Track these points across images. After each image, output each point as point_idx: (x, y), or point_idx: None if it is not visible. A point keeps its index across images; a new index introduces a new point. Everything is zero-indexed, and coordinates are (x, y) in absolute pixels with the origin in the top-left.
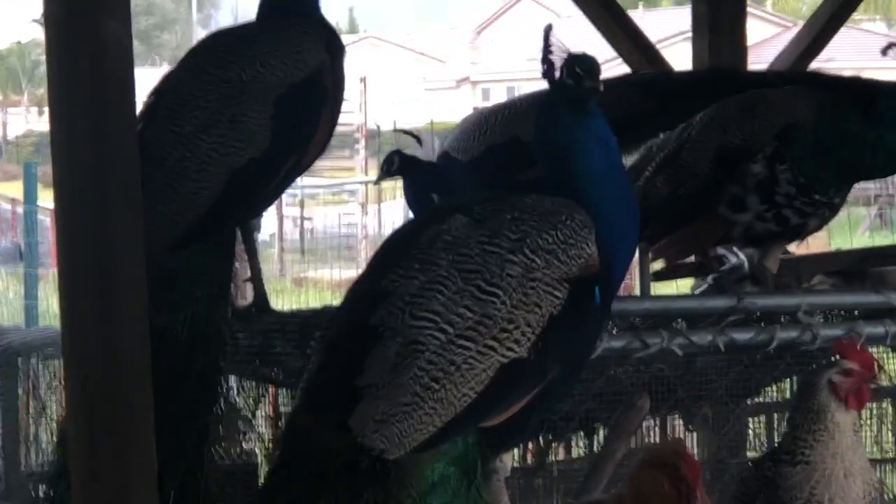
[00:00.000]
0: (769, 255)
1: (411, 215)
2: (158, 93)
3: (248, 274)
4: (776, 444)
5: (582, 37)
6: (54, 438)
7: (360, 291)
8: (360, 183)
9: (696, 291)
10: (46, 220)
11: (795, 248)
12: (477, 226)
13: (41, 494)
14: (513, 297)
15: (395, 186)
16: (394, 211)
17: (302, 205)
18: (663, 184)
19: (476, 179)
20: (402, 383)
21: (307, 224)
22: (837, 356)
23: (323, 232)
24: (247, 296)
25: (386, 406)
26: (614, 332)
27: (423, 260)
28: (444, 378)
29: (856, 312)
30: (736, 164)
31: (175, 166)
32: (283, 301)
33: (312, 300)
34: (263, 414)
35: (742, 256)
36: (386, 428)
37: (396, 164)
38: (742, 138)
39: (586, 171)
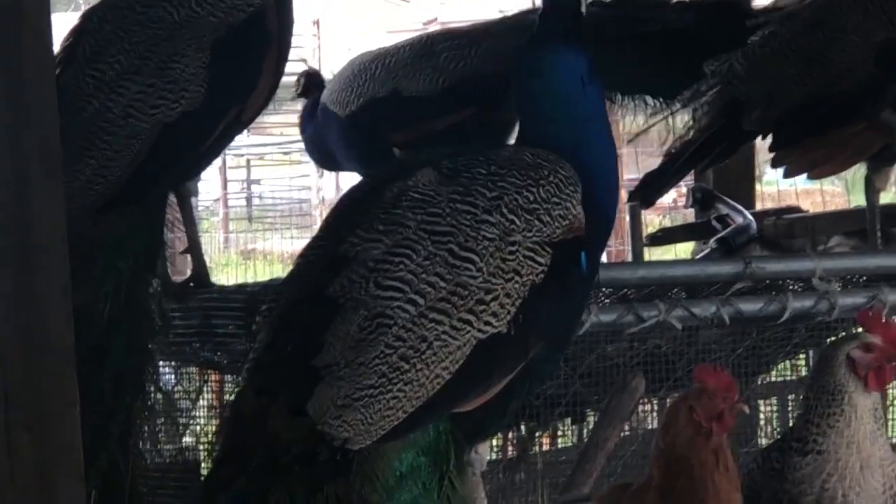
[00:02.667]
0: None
1: None
2: (78, 33)
3: (185, 245)
4: (787, 430)
5: None
6: None
7: (314, 257)
8: None
9: (698, 257)
10: None
11: (810, 206)
12: (448, 181)
13: None
14: (489, 264)
15: None
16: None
17: (248, 166)
18: (802, 82)
19: (352, 136)
20: (368, 362)
21: (254, 188)
22: (859, 328)
23: (272, 197)
24: (185, 270)
25: (349, 389)
26: (605, 303)
27: (387, 221)
28: (414, 357)
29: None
30: None
31: (95, 117)
32: (228, 276)
33: (261, 274)
34: (206, 404)
35: (748, 216)
36: (349, 414)
37: (303, 83)
38: None
39: (578, 117)
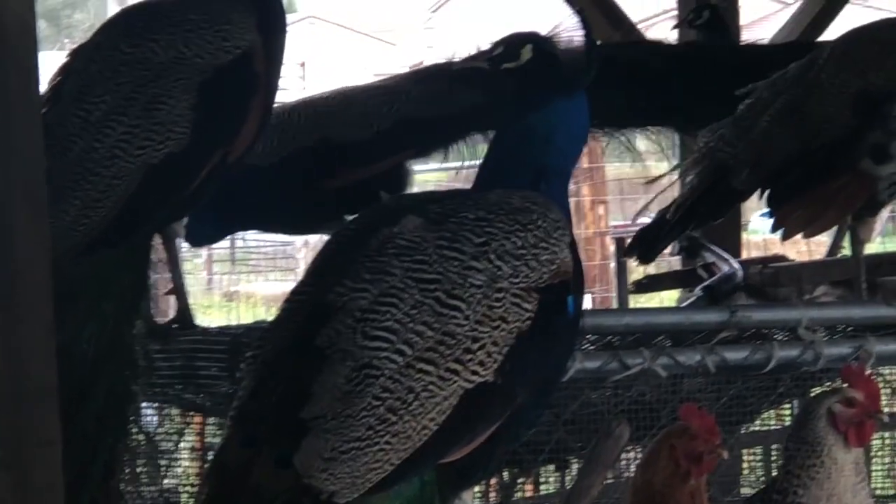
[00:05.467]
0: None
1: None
2: (65, 72)
3: (170, 286)
4: (769, 482)
5: (555, 18)
6: None
7: (299, 304)
8: None
9: (683, 304)
10: None
11: (796, 255)
12: (434, 227)
13: None
14: (476, 312)
15: None
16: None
17: None
18: (786, 139)
19: (277, 187)
20: (355, 415)
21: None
22: (842, 382)
23: (256, 239)
24: (168, 311)
25: (336, 441)
26: (589, 350)
27: (373, 269)
28: (401, 408)
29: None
30: (875, 107)
31: (80, 158)
32: (211, 317)
33: (244, 316)
34: (188, 446)
35: (735, 264)
36: (336, 467)
37: None
38: (886, 79)
39: (572, 155)
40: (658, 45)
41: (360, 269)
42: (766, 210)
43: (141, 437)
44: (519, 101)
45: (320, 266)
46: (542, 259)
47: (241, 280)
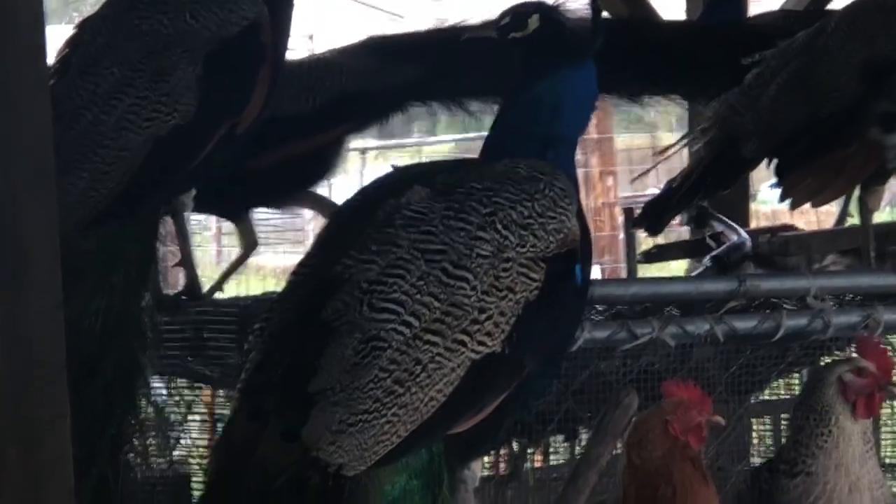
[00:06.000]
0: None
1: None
2: (72, 44)
3: (178, 258)
4: (777, 452)
5: None
6: None
7: (306, 276)
8: None
9: (692, 274)
10: None
11: (804, 224)
12: (440, 198)
13: None
14: (483, 282)
15: (348, 161)
16: (347, 187)
17: None
18: (794, 108)
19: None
20: (362, 387)
21: None
22: (855, 352)
23: (266, 211)
24: (177, 284)
25: (344, 414)
26: (598, 320)
27: (380, 240)
28: (408, 380)
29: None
30: (882, 76)
31: (88, 130)
32: (219, 292)
33: (254, 289)
34: (197, 418)
35: (743, 234)
36: (344, 439)
37: None
38: (893, 47)
39: (579, 124)
40: (667, 23)
41: (366, 241)
42: (774, 180)
43: (150, 409)
44: (526, 70)
45: (327, 238)
46: (549, 228)
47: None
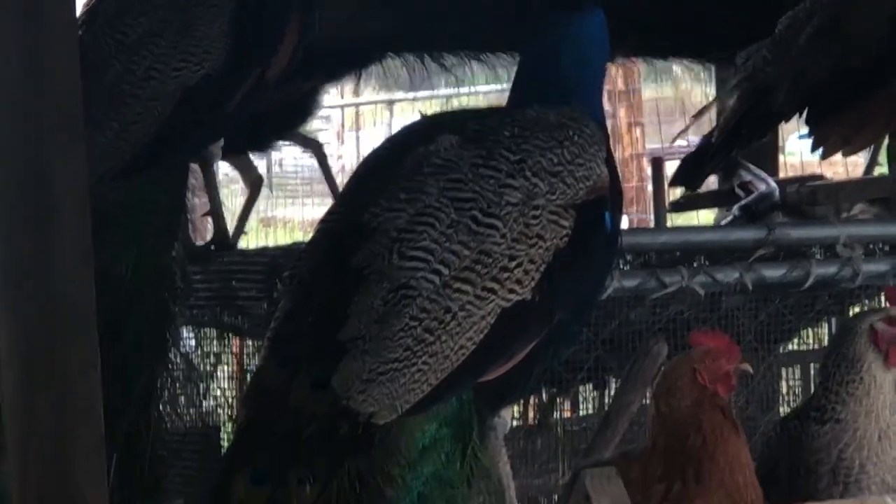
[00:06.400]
0: None
1: None
2: None
3: (207, 208)
4: (806, 399)
5: None
6: None
7: (335, 224)
8: (336, 107)
9: (721, 224)
10: None
11: (833, 175)
12: (469, 146)
13: None
14: (513, 230)
15: (376, 111)
16: (374, 139)
17: None
18: (825, 58)
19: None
20: (392, 336)
21: (275, 155)
22: (887, 301)
23: (294, 164)
24: (206, 234)
25: (374, 363)
26: (627, 269)
27: (409, 188)
28: (439, 328)
29: None
30: None
31: (117, 80)
32: (248, 243)
33: (282, 242)
34: (226, 368)
35: (772, 183)
36: (374, 388)
37: None
38: None
39: (597, 69)
40: None
41: (395, 189)
42: (804, 132)
43: (179, 359)
44: (540, 18)
45: (355, 186)
46: (578, 175)
47: (277, 205)
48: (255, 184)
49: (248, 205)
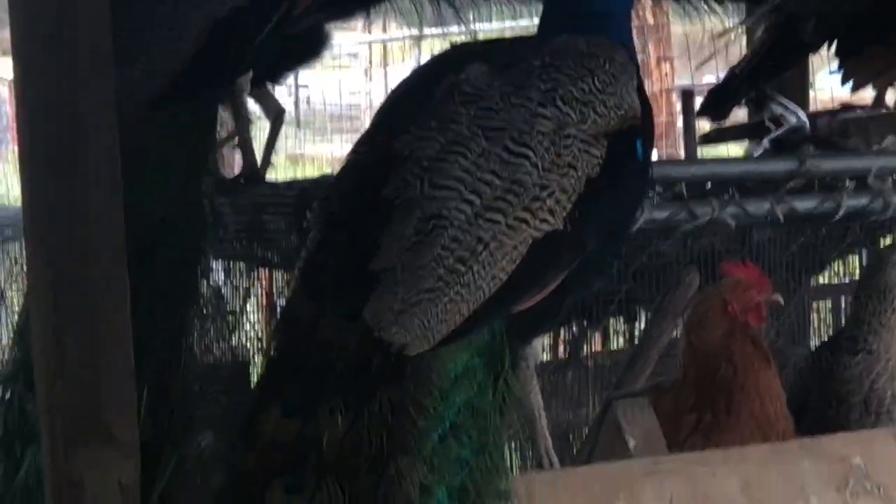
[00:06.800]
0: None
1: None
2: None
3: (236, 141)
4: (838, 330)
5: None
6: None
7: (365, 154)
8: (364, 44)
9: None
10: (3, 92)
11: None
12: (500, 75)
13: None
14: (545, 159)
15: (404, 47)
16: (402, 75)
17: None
18: None
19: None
20: (425, 266)
21: (303, 92)
22: None
23: (322, 101)
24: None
25: (406, 293)
26: (657, 201)
27: (439, 117)
28: (471, 259)
29: None
30: None
31: (147, 12)
32: (276, 180)
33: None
34: (255, 301)
35: (802, 116)
36: (407, 319)
37: None
38: None
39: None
40: None
41: (425, 118)
42: (834, 66)
43: (209, 293)
44: None
45: (385, 116)
46: (609, 104)
47: (306, 143)
48: (277, 116)
49: (272, 137)
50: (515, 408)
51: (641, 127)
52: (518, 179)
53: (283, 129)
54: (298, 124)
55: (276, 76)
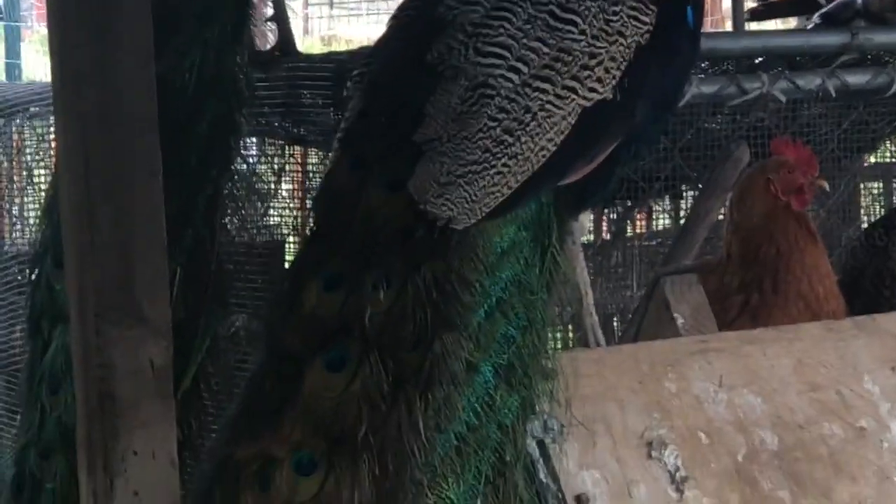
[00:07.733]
0: None
1: None
2: None
3: (271, 13)
4: (891, 209)
5: None
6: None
7: (408, 19)
8: None
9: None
10: None
11: None
12: None
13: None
14: (593, 26)
15: None
16: None
17: None
18: None
19: None
20: (471, 136)
21: None
22: None
23: None
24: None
25: (452, 165)
26: (705, 76)
27: None
28: (518, 129)
29: None
30: None
31: None
32: None
33: None
34: (289, 179)
35: None
36: (452, 191)
37: None
38: None
39: None
40: None
41: None
42: None
43: (244, 168)
44: None
45: None
46: None
47: (339, 23)
48: None
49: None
50: (562, 284)
51: None
52: (566, 47)
53: (315, 10)
54: (331, 4)
55: None
